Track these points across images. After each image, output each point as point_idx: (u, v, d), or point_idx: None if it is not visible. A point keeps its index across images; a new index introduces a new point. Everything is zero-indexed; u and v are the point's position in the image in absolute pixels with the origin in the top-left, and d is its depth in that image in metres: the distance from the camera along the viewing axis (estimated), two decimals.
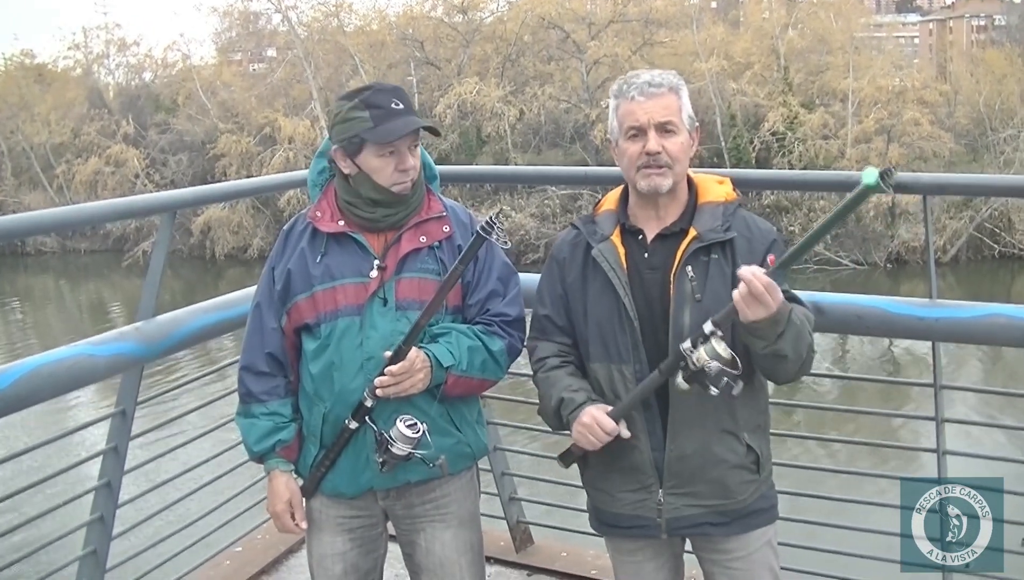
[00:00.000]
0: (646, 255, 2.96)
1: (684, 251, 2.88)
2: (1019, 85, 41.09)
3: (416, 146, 3.06)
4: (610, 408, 2.89)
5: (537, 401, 3.13)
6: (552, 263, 3.14)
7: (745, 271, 2.64)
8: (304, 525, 3.18)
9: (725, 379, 2.68)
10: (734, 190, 3.03)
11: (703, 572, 3.17)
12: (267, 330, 3.15)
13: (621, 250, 2.96)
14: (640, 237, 2.98)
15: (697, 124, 3.04)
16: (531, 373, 3.16)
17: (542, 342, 3.13)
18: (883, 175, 2.32)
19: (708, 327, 2.69)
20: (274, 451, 3.14)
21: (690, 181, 3.03)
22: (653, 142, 2.87)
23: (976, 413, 16.39)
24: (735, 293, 2.65)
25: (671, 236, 2.94)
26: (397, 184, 3.02)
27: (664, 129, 2.89)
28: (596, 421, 2.86)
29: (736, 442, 2.94)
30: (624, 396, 2.91)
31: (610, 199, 3.10)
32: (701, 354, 2.70)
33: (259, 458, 3.17)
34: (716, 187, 3.02)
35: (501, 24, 48.22)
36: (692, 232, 2.90)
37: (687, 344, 2.71)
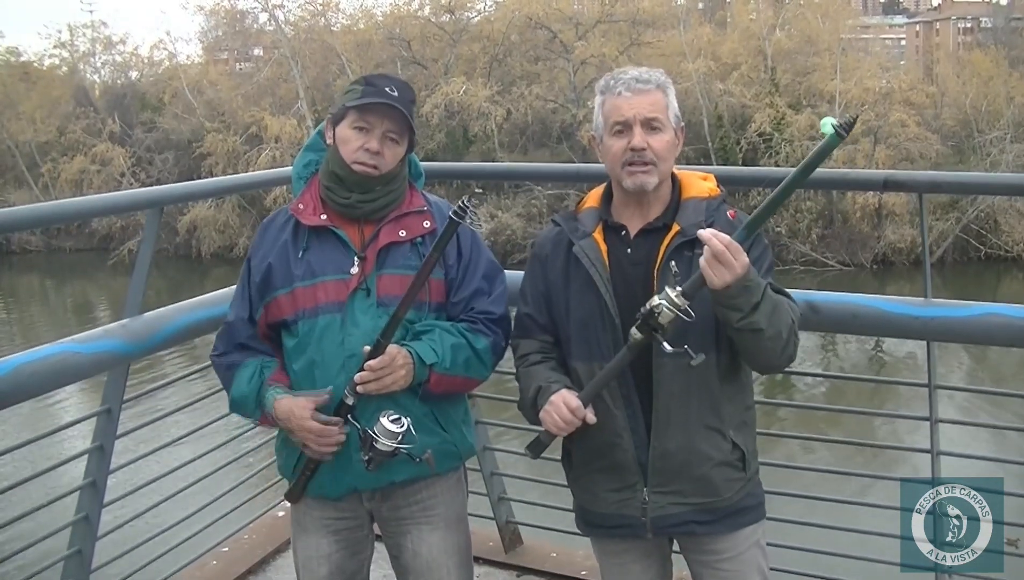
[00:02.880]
0: (628, 250, 2.94)
1: (667, 246, 2.86)
2: (1005, 87, 41.22)
3: (392, 138, 3.03)
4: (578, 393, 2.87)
5: None
6: (534, 261, 3.13)
7: (704, 232, 2.64)
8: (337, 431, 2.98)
9: (675, 321, 2.65)
10: (718, 186, 3.01)
11: (691, 574, 3.16)
12: (239, 322, 3.14)
13: (603, 247, 2.95)
14: (623, 233, 2.96)
15: (683, 124, 3.03)
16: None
17: (524, 340, 3.12)
18: (839, 125, 2.36)
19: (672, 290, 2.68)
20: (264, 384, 3.06)
21: (674, 177, 3.01)
22: (639, 138, 2.86)
23: (965, 414, 16.42)
24: (700, 259, 2.64)
25: (654, 231, 2.93)
26: (357, 162, 3.00)
27: (650, 126, 2.88)
28: (563, 400, 2.83)
29: (721, 439, 2.92)
30: (607, 395, 2.90)
31: (593, 197, 3.09)
32: (652, 299, 2.68)
33: (256, 402, 3.06)
34: (700, 183, 3.01)
35: (488, 24, 48.25)
36: (675, 227, 2.89)
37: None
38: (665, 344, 2.68)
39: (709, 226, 2.75)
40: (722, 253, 2.58)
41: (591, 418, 2.84)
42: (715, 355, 2.86)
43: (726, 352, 2.88)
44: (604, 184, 3.08)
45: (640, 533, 2.99)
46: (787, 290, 2.96)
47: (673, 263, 2.74)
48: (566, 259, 3.00)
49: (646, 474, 2.92)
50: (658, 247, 2.88)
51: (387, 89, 2.99)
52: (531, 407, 2.98)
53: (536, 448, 3.01)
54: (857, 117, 2.48)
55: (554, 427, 2.86)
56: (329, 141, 3.10)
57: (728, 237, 2.61)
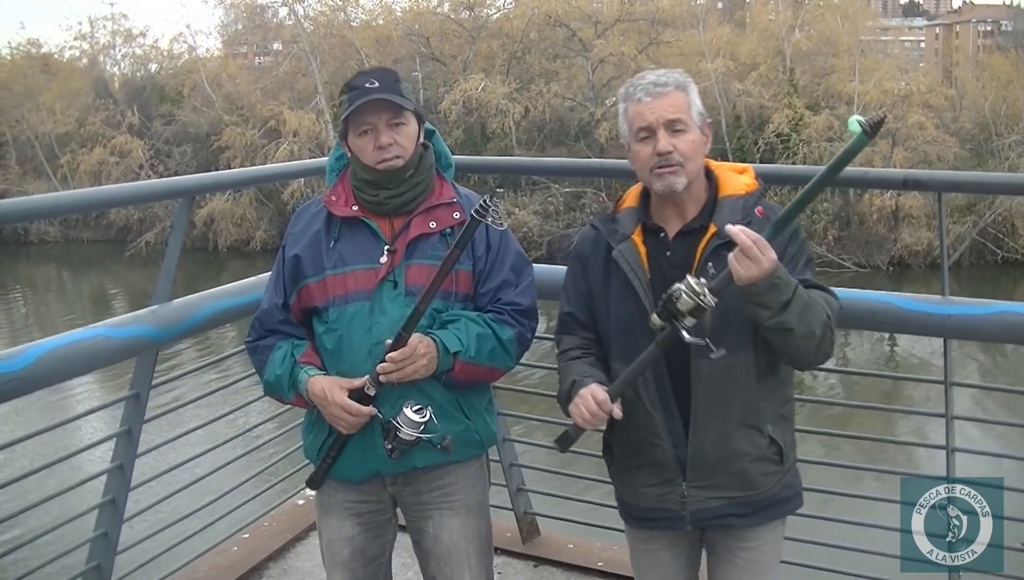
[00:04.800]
0: (668, 253, 2.94)
1: (704, 248, 2.85)
2: None
3: (397, 123, 3.05)
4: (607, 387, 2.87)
5: (549, 393, 3.14)
6: (576, 260, 3.13)
7: (731, 227, 2.64)
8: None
9: (696, 310, 2.65)
10: (756, 179, 3.00)
11: (708, 556, 3.18)
12: (273, 308, 3.19)
13: (642, 250, 2.95)
14: (661, 235, 2.96)
15: (709, 120, 3.01)
16: (541, 364, 3.16)
17: (566, 335, 3.14)
18: (867, 124, 2.37)
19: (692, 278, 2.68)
20: (296, 364, 3.10)
21: (710, 173, 3.00)
22: (663, 142, 2.85)
23: (981, 411, 16.39)
24: (729, 255, 2.64)
25: (691, 233, 2.91)
26: (380, 161, 3.04)
27: (673, 128, 2.86)
28: (591, 393, 2.83)
29: (758, 435, 2.93)
30: (645, 396, 2.92)
31: (631, 195, 3.08)
32: (673, 285, 2.68)
33: (289, 383, 3.11)
34: (736, 178, 2.98)
35: (507, 21, 48.12)
36: (712, 228, 2.87)
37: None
38: (684, 333, 2.68)
39: (747, 225, 2.72)
40: (749, 248, 2.58)
41: (617, 413, 2.84)
42: (752, 353, 2.87)
43: (764, 350, 2.86)
44: (642, 183, 3.06)
45: (679, 526, 3.02)
46: (825, 285, 2.95)
47: (711, 265, 2.74)
48: (606, 261, 3.00)
49: (685, 470, 2.94)
50: (695, 248, 2.88)
51: (367, 85, 3.01)
52: (565, 400, 2.99)
53: (564, 442, 3.01)
54: (885, 116, 2.46)
55: (580, 419, 2.86)
56: (348, 154, 3.15)
57: (755, 233, 2.61)
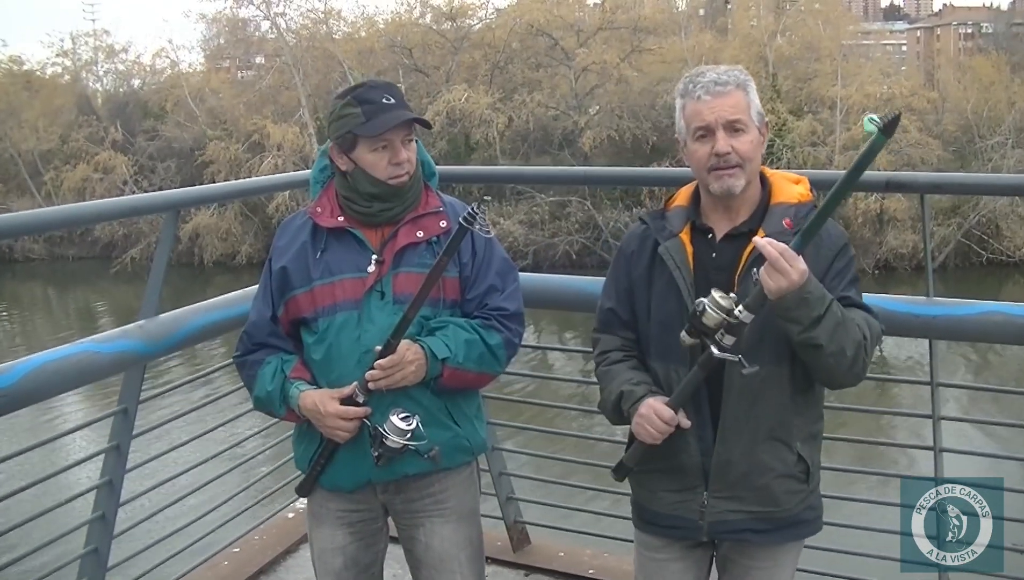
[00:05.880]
0: (714, 255, 2.91)
1: (750, 252, 2.80)
2: (1006, 92, 41.16)
3: (410, 140, 3.09)
4: (667, 399, 2.86)
5: (537, 401, 3.15)
6: (620, 257, 3.11)
7: (759, 239, 2.63)
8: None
9: (723, 330, 2.64)
10: (810, 191, 2.97)
11: (717, 576, 3.16)
12: (261, 321, 3.19)
13: (689, 249, 2.93)
14: (709, 236, 2.93)
15: (767, 119, 2.97)
16: (531, 373, 3.16)
17: (605, 335, 3.12)
18: (882, 121, 2.34)
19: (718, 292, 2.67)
20: (286, 380, 3.11)
21: (764, 179, 2.98)
22: (722, 143, 2.81)
23: (974, 410, 16.44)
24: (760, 268, 2.62)
25: (739, 236, 2.88)
26: (393, 177, 3.06)
27: (733, 128, 2.83)
28: (654, 410, 2.82)
29: (787, 451, 2.90)
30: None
31: (682, 195, 3.06)
32: (697, 301, 2.68)
33: (281, 398, 3.11)
34: (791, 187, 2.96)
35: (490, 31, 48.14)
36: (760, 233, 2.79)
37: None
38: (714, 349, 2.67)
39: (794, 234, 2.69)
40: (777, 260, 2.56)
41: (685, 422, 2.83)
42: (788, 368, 2.84)
43: (800, 365, 2.83)
44: (694, 182, 3.04)
45: (695, 535, 2.99)
46: (869, 307, 2.93)
47: (755, 270, 2.70)
48: (651, 258, 2.98)
49: (708, 479, 2.92)
50: (741, 252, 2.85)
51: (384, 100, 3.03)
52: (614, 410, 2.98)
53: (621, 471, 3.05)
54: (899, 113, 2.43)
55: (649, 438, 2.85)
56: (343, 167, 3.12)
57: (783, 245, 2.59)
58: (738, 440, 2.87)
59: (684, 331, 2.72)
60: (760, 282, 2.62)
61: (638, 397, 2.89)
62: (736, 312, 2.63)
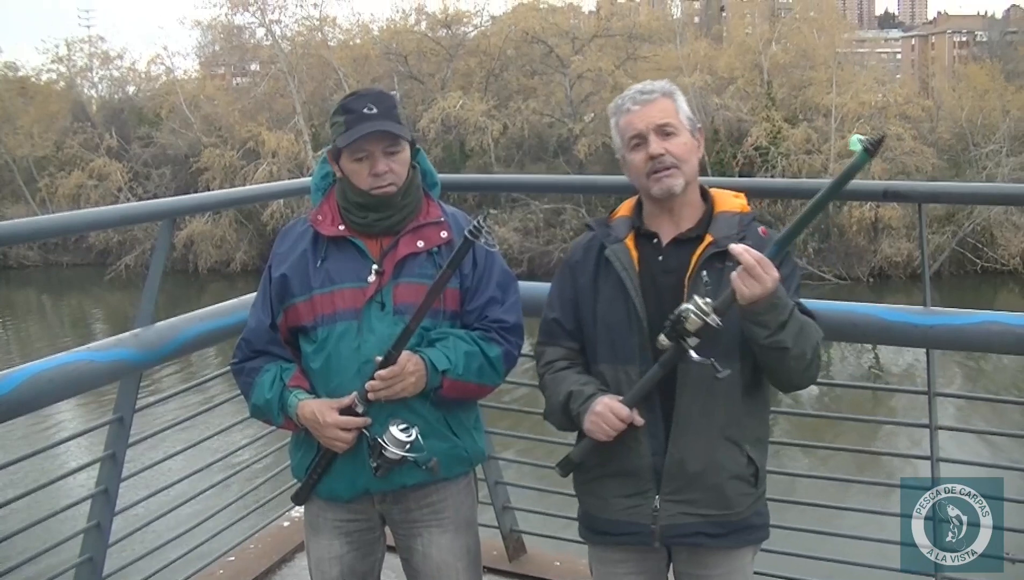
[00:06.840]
0: (660, 258, 2.97)
1: (700, 256, 2.89)
2: (1001, 100, 41.31)
3: (393, 151, 3.06)
4: (621, 398, 2.89)
5: (533, 410, 3.14)
6: (565, 267, 3.15)
7: (736, 246, 2.68)
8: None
9: (703, 329, 2.68)
10: (748, 204, 3.04)
11: None
12: (260, 328, 3.18)
13: (634, 253, 2.98)
14: (655, 241, 2.99)
15: (700, 125, 3.05)
16: (527, 382, 3.16)
17: (550, 347, 3.14)
18: (868, 143, 2.39)
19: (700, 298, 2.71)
20: (285, 388, 3.10)
21: (705, 193, 3.05)
22: (655, 145, 2.90)
23: (964, 422, 16.45)
24: (732, 274, 2.67)
25: (687, 242, 2.95)
26: (375, 188, 3.05)
27: (664, 132, 2.92)
28: (610, 408, 2.86)
29: (739, 452, 2.94)
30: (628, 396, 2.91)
31: (624, 207, 3.11)
32: (681, 306, 2.71)
33: (279, 407, 3.10)
34: (732, 199, 3.04)
35: (485, 38, 48.27)
36: (708, 238, 2.92)
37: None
38: (692, 352, 2.71)
39: (741, 240, 2.79)
40: (753, 267, 2.62)
41: (639, 420, 2.87)
42: (739, 367, 2.88)
43: (750, 365, 2.90)
44: (636, 196, 3.10)
45: (647, 541, 2.98)
46: (812, 311, 2.98)
47: (704, 273, 2.79)
48: (596, 264, 3.03)
49: (659, 481, 2.93)
50: (690, 257, 2.91)
51: (365, 111, 3.01)
52: (561, 412, 3.00)
53: (567, 466, 3.06)
54: (884, 136, 2.54)
55: (603, 435, 2.88)
56: (338, 173, 3.14)
57: (759, 253, 2.65)
58: (691, 438, 2.90)
59: (663, 334, 2.75)
60: (732, 287, 2.67)
61: (588, 395, 2.93)
62: (709, 320, 2.68)
